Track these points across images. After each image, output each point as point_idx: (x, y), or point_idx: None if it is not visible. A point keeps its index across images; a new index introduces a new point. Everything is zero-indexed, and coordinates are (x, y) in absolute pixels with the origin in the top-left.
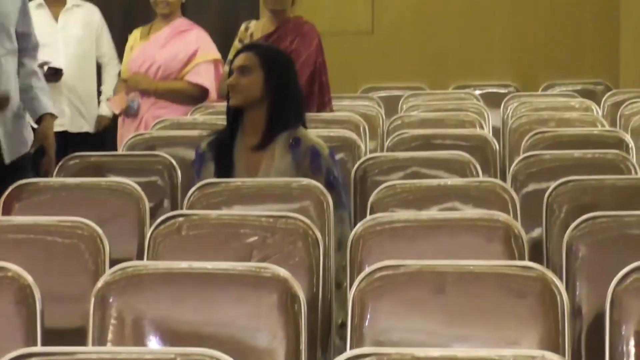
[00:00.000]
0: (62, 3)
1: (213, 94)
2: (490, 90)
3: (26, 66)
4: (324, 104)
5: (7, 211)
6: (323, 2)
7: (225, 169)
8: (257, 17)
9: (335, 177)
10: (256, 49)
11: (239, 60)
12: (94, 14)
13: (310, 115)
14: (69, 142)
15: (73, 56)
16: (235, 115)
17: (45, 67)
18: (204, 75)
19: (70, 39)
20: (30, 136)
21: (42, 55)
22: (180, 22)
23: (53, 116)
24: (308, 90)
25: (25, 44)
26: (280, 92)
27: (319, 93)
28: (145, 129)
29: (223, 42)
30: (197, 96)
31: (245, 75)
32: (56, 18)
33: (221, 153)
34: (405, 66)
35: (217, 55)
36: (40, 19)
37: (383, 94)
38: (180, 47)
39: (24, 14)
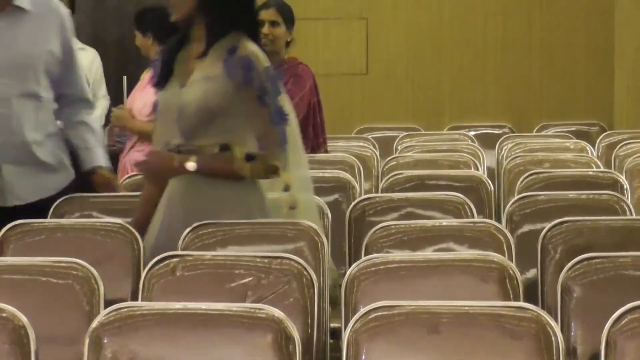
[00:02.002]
0: None
1: None
2: (484, 131)
3: (69, 116)
4: (318, 145)
5: (2, 252)
6: (318, 43)
7: (164, 75)
8: None
9: (269, 95)
10: None
11: None
12: (96, 56)
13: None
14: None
15: None
16: (187, 26)
17: None
18: None
19: None
20: (53, 182)
21: None
22: None
23: (103, 168)
24: (303, 131)
25: (65, 92)
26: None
27: (313, 134)
28: (126, 172)
29: None
30: None
31: None
32: None
33: (165, 59)
34: (400, 107)
35: None
36: None
37: (378, 134)
38: None
39: (63, 60)
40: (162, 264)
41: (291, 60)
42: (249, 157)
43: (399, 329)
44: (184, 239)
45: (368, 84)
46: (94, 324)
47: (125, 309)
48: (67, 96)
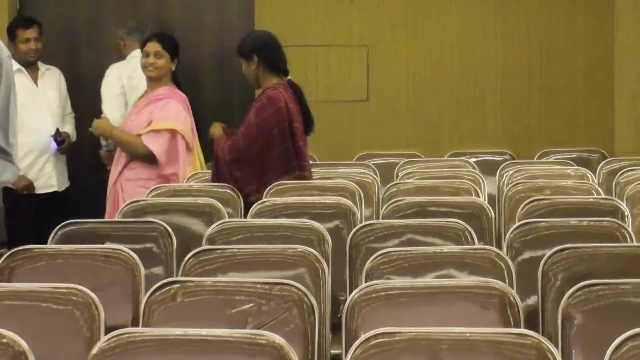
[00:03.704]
0: (36, 68)
1: (162, 159)
2: (485, 157)
3: None
4: (302, 168)
5: (3, 278)
6: (319, 70)
7: None
8: None
9: None
10: None
11: None
12: (61, 76)
13: (304, 183)
14: (56, 202)
15: (56, 116)
16: None
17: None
18: (156, 142)
19: (51, 102)
20: None
21: (28, 118)
22: (162, 90)
23: None
24: (277, 155)
25: None
26: None
27: (295, 157)
28: (118, 198)
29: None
30: (145, 157)
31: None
32: (35, 82)
33: None
34: (401, 134)
35: (176, 126)
36: (21, 83)
37: (379, 161)
38: (148, 113)
39: None
40: (162, 290)
41: (266, 90)
42: None
43: (399, 356)
44: (185, 264)
45: (369, 110)
46: (95, 349)
47: (126, 335)
48: None
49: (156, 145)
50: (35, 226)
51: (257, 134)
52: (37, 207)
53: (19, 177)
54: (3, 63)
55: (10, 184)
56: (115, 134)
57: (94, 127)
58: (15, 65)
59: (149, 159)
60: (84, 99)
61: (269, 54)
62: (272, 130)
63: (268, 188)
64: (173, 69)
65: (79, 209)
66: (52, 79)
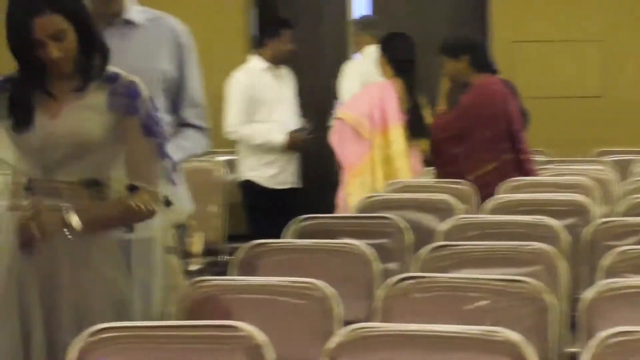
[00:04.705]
0: (279, 66)
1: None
2: None
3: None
4: (518, 151)
5: (241, 271)
6: (554, 65)
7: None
8: None
9: (157, 125)
10: None
11: None
12: (291, 74)
13: (539, 180)
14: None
15: (294, 113)
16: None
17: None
18: None
19: (291, 99)
20: None
21: (276, 114)
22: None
23: None
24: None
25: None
26: None
27: (507, 141)
28: None
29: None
30: None
31: None
32: (278, 80)
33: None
34: (637, 130)
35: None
36: (270, 81)
37: (615, 157)
38: None
39: (177, 81)
40: (397, 285)
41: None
42: (132, 188)
43: (638, 355)
44: (419, 260)
45: (604, 107)
46: (331, 344)
47: (362, 330)
48: (177, 119)
49: None
50: (276, 221)
51: (460, 115)
52: (278, 202)
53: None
54: None
55: None
56: None
57: None
58: (264, 64)
59: None
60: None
61: (479, 54)
62: (480, 112)
63: (501, 184)
64: None
65: (311, 204)
66: (288, 77)
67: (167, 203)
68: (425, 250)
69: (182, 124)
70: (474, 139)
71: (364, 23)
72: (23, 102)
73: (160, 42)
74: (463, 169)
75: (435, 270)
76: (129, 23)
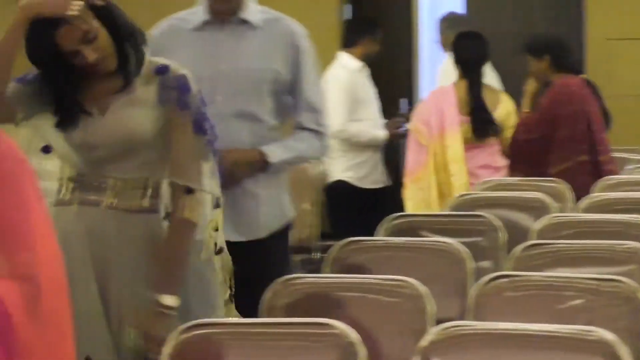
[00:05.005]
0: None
1: None
2: None
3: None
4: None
5: (334, 268)
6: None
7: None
8: None
9: (207, 121)
10: None
11: None
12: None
13: (635, 178)
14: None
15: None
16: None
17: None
18: None
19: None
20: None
21: (369, 113)
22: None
23: None
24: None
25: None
26: None
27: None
28: None
29: None
30: None
31: None
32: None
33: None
34: None
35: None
36: (363, 80)
37: None
38: None
39: (291, 84)
40: (491, 284)
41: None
42: (189, 190)
43: None
44: (513, 258)
45: None
46: (424, 342)
47: (455, 328)
48: (294, 124)
49: None
50: (365, 221)
51: (542, 117)
52: (368, 201)
53: None
54: None
55: None
56: None
57: None
58: (357, 63)
59: None
60: None
61: (560, 53)
62: (557, 112)
63: (596, 183)
64: None
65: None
66: (368, 77)
67: (217, 205)
68: (518, 249)
69: (299, 128)
70: (551, 139)
71: (449, 20)
72: (66, 102)
73: (276, 43)
74: (536, 169)
75: (528, 269)
76: (245, 22)
